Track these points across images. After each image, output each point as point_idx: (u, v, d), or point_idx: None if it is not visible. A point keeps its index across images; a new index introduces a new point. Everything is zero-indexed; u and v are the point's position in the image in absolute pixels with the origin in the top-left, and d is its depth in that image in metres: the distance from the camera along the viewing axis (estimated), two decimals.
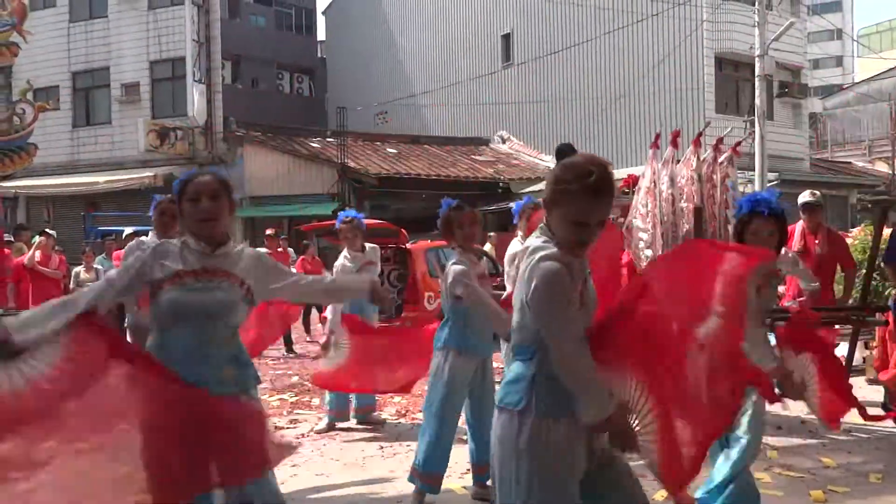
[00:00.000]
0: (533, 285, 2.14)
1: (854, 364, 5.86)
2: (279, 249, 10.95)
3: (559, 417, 2.17)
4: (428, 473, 4.03)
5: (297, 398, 7.01)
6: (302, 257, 10.71)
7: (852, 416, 5.83)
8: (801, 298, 5.40)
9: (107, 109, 23.81)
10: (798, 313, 5.05)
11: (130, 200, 19.48)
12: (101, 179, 21.01)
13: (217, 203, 2.63)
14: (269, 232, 11.19)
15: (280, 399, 7.07)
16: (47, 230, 8.96)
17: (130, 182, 20.20)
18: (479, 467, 4.08)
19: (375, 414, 5.98)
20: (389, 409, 6.48)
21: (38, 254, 8.87)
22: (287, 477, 4.62)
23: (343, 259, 5.73)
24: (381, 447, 5.24)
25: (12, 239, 10.10)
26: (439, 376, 4.05)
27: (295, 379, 8.17)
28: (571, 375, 2.12)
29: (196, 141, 22.62)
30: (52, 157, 20.59)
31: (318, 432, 5.72)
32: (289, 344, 10.20)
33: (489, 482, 3.68)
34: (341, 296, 2.98)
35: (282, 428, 5.89)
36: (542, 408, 2.19)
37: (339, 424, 5.80)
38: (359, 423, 5.86)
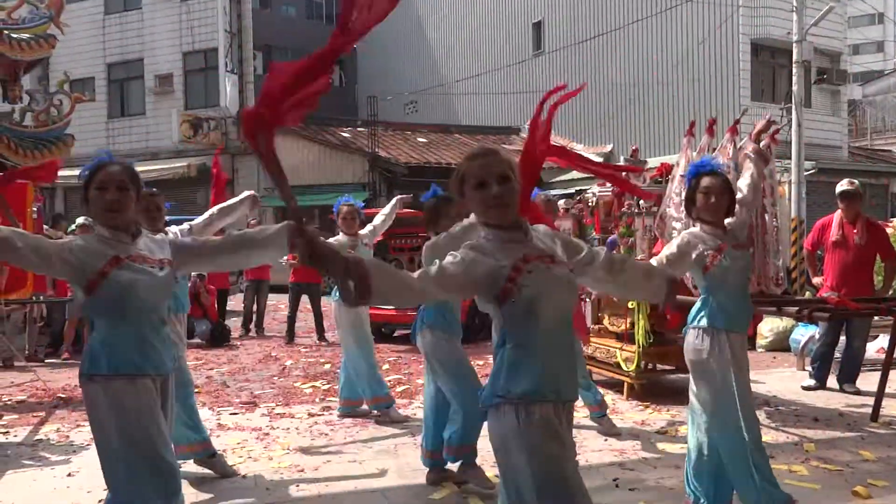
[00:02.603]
0: None
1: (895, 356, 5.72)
2: None
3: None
4: (467, 445, 4.11)
5: (329, 386, 7.06)
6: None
7: (893, 410, 5.74)
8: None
9: (141, 100, 24.16)
10: (837, 303, 4.98)
11: (164, 190, 19.75)
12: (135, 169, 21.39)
13: (124, 194, 2.67)
14: None
15: (313, 387, 7.13)
16: (84, 219, 9.13)
17: (164, 172, 20.50)
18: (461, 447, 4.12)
19: (363, 408, 5.90)
20: (420, 397, 6.50)
21: None
22: (320, 463, 4.67)
23: (339, 237, 5.94)
24: (413, 434, 5.26)
25: (51, 228, 10.30)
26: (440, 355, 4.16)
27: (327, 367, 8.24)
28: None
29: (228, 131, 22.85)
30: (87, 148, 20.85)
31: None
32: (321, 332, 10.29)
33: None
34: (252, 248, 2.78)
35: (315, 415, 5.95)
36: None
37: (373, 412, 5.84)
38: (343, 415, 5.82)
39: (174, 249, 2.81)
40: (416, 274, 2.16)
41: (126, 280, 2.59)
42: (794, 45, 14.74)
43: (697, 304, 3.50)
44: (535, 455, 2.16)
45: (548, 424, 2.19)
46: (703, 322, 3.42)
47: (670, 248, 3.42)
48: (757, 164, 3.91)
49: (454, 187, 2.35)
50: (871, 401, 5.66)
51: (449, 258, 2.20)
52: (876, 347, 7.39)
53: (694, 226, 3.56)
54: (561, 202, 7.88)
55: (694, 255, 3.40)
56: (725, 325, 3.39)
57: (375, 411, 5.77)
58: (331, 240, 5.93)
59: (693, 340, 3.45)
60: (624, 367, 6.26)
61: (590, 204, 7.45)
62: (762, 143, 5.88)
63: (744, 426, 3.32)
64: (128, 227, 2.71)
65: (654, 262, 3.37)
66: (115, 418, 2.57)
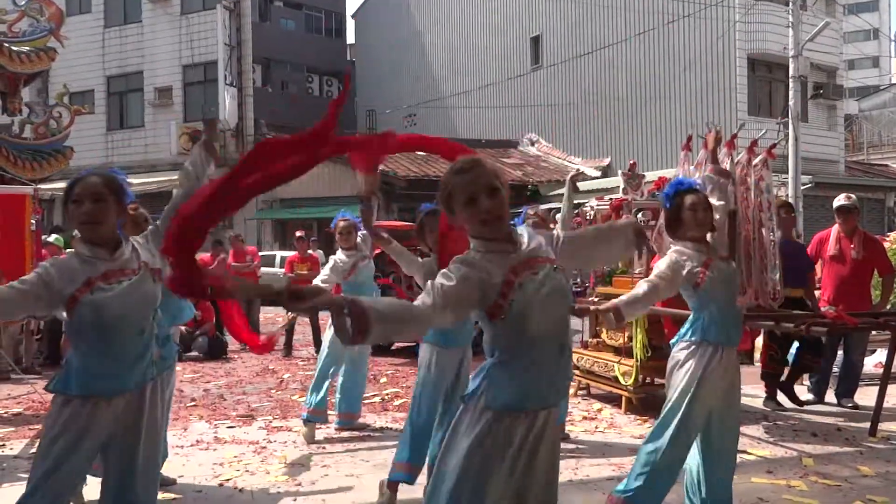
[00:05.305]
0: None
1: (893, 370, 5.72)
2: (309, 251, 11.02)
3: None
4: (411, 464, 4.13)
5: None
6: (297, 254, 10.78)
7: (891, 425, 5.73)
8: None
9: (140, 113, 24.26)
10: (835, 318, 4.99)
11: (163, 202, 19.71)
12: (134, 182, 20.94)
13: (100, 206, 2.59)
14: (298, 234, 11.26)
15: None
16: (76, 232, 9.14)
17: (163, 184, 20.50)
18: None
19: (360, 421, 5.92)
20: None
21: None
22: (318, 477, 4.65)
23: (339, 255, 5.92)
24: None
25: (50, 240, 10.30)
26: (428, 370, 4.15)
27: None
28: None
29: (227, 143, 22.91)
30: (86, 160, 20.94)
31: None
32: (318, 345, 10.26)
33: None
34: (188, 189, 3.15)
35: None
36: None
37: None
38: (342, 429, 5.82)
39: (154, 241, 2.80)
40: (416, 301, 2.11)
41: (98, 302, 2.55)
42: (791, 60, 14.85)
43: (688, 322, 3.52)
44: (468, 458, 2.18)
45: (504, 442, 2.20)
46: (695, 336, 3.43)
47: (661, 269, 3.41)
48: (720, 184, 3.87)
49: (442, 203, 2.27)
50: (869, 415, 5.66)
51: (440, 278, 2.14)
52: (874, 362, 7.39)
53: (676, 244, 3.55)
54: (559, 215, 7.89)
55: (685, 272, 3.41)
56: (717, 338, 3.41)
57: (339, 425, 5.80)
58: (331, 259, 5.97)
59: (676, 352, 3.49)
60: (622, 381, 6.25)
61: (587, 217, 7.46)
62: (759, 158, 5.92)
63: (700, 447, 3.43)
64: (107, 240, 2.65)
65: (645, 283, 3.37)
66: (61, 431, 2.60)
